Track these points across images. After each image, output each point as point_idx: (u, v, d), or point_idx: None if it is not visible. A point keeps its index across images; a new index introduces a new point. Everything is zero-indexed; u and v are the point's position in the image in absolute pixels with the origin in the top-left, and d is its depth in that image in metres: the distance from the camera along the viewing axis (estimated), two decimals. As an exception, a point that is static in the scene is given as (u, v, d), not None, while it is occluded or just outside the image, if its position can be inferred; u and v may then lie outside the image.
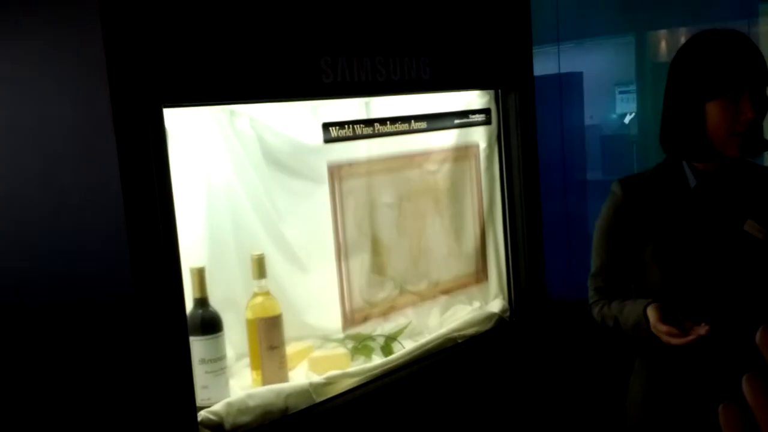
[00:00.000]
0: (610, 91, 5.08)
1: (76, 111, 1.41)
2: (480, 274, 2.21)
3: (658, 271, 1.78)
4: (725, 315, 1.71)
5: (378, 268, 1.97)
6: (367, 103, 1.91)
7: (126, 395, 1.43)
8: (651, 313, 1.67)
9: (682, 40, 4.51)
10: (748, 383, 0.50)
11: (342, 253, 1.89)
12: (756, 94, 1.67)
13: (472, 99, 2.13)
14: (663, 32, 4.66)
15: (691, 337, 1.58)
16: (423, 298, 2.08)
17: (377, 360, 1.86)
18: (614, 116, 5.14)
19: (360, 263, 1.93)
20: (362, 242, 1.93)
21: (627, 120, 5.02)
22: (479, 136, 2.17)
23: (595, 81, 4.90)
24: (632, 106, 4.90)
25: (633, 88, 4.89)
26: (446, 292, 2.14)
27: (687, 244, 1.75)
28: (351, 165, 1.88)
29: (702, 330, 1.56)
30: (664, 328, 1.62)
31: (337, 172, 1.85)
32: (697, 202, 1.77)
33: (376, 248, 1.97)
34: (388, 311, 1.99)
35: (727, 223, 1.74)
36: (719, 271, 1.73)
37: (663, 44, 4.80)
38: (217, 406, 1.54)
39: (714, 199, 1.76)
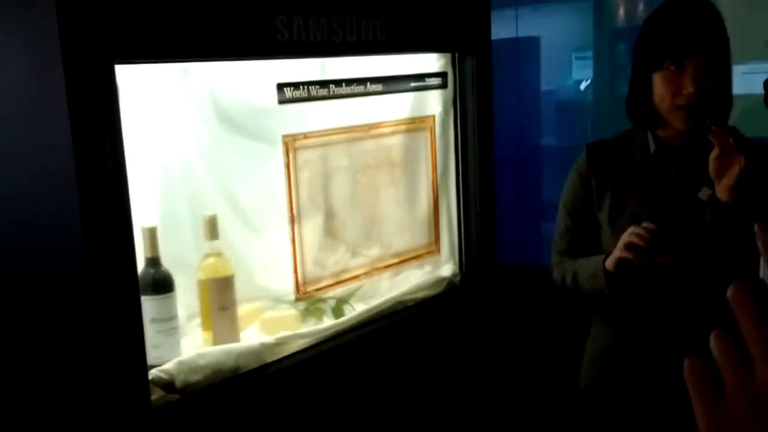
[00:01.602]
0: (567, 56, 5.09)
1: (25, 66, 1.38)
2: (432, 245, 2.23)
3: (610, 234, 1.82)
4: (677, 281, 1.75)
5: (331, 233, 1.97)
6: (322, 65, 1.90)
7: (77, 353, 1.42)
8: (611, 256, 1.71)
9: (640, 7, 4.54)
10: (716, 340, 0.51)
11: (295, 220, 1.88)
12: (702, 67, 1.67)
13: (429, 64, 2.13)
14: (621, -1, 4.68)
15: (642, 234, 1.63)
16: (375, 262, 2.09)
17: (328, 322, 1.88)
18: (570, 82, 5.16)
19: (313, 230, 1.93)
20: (316, 211, 1.93)
21: (583, 86, 5.05)
22: (435, 101, 2.17)
23: (552, 46, 4.90)
24: (588, 72, 4.93)
25: (590, 54, 4.91)
26: (398, 257, 2.16)
27: (639, 208, 1.78)
28: (306, 136, 1.87)
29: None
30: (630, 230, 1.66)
31: (291, 143, 1.84)
32: (654, 168, 1.80)
33: (329, 216, 1.97)
34: (340, 274, 2.00)
35: (683, 190, 1.77)
36: (670, 237, 1.76)
37: (621, 11, 4.83)
38: (168, 365, 1.54)
39: (671, 166, 1.79)
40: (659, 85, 1.71)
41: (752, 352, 0.49)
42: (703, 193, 1.70)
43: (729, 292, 0.50)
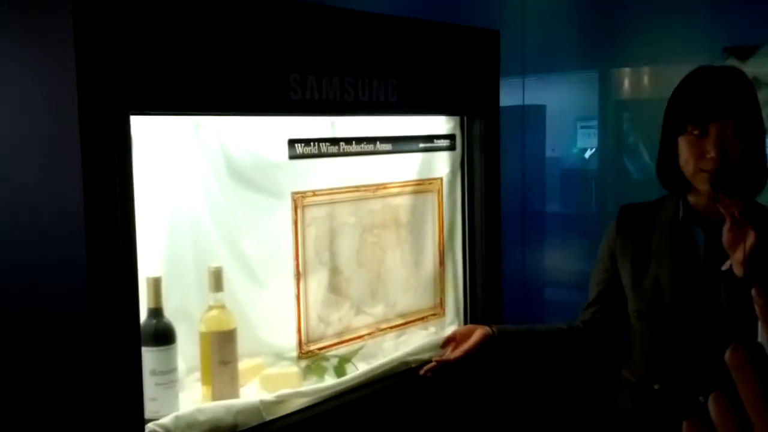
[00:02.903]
0: (572, 125, 5.15)
1: (42, 112, 1.39)
2: (438, 307, 2.21)
3: (633, 297, 1.80)
4: (693, 352, 1.72)
5: (336, 291, 1.96)
6: (332, 123, 1.92)
7: (73, 403, 1.40)
8: None
9: (645, 80, 4.61)
10: (713, 402, 0.50)
11: (301, 276, 1.88)
12: (726, 132, 1.64)
13: (438, 126, 2.15)
14: (626, 70, 4.75)
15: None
16: (379, 322, 2.07)
17: (330, 380, 1.85)
18: (575, 150, 5.21)
19: (318, 287, 1.92)
20: (321, 268, 1.92)
21: (587, 155, 5.09)
22: (443, 163, 2.18)
23: (557, 115, 4.96)
24: (593, 141, 4.97)
25: (594, 123, 4.97)
26: (403, 318, 2.14)
27: (661, 273, 1.76)
28: (314, 193, 1.88)
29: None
30: None
31: (300, 200, 1.85)
32: (680, 234, 1.78)
33: (334, 274, 1.96)
34: (343, 333, 1.98)
35: (708, 260, 1.73)
36: (687, 307, 1.73)
37: (626, 83, 4.90)
38: (166, 420, 1.51)
39: (699, 234, 1.76)
40: (684, 149, 1.69)
41: (750, 416, 0.49)
42: (725, 265, 1.64)
43: (727, 356, 0.50)
